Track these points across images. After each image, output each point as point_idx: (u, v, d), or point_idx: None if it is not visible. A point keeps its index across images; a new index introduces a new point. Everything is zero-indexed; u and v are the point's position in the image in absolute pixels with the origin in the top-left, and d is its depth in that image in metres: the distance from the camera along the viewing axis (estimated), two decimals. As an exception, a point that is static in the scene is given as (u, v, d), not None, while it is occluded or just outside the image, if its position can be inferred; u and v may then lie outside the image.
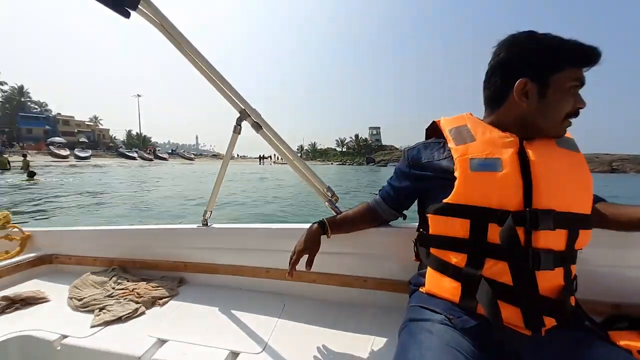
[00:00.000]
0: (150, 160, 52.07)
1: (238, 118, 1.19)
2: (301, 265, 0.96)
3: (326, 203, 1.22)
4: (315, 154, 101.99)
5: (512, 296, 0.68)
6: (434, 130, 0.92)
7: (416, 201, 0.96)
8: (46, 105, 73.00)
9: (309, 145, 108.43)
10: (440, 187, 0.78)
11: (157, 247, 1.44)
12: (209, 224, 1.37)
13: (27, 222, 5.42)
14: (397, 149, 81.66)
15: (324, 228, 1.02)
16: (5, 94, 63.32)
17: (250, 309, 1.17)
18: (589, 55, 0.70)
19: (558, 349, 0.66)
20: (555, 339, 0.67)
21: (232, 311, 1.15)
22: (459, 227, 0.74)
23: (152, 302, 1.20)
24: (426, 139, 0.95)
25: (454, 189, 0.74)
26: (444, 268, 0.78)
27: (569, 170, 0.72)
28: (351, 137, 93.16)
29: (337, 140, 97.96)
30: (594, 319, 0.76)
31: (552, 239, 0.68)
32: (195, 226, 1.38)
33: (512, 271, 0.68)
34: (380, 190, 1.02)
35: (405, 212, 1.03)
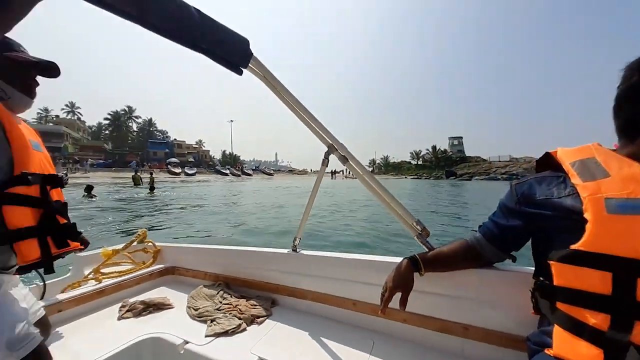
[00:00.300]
0: (238, 175, 59.14)
1: (326, 152, 1.27)
2: (394, 303, 0.94)
3: (415, 237, 1.17)
4: (388, 167, 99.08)
5: None
6: (545, 164, 0.83)
7: (529, 244, 0.84)
8: (167, 132, 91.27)
9: (382, 158, 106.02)
10: (564, 229, 0.69)
11: (253, 267, 1.61)
12: (297, 250, 1.47)
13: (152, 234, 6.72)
14: (484, 160, 72.65)
15: (416, 265, 0.98)
16: (140, 125, 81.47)
17: (339, 339, 1.19)
18: None
19: None
20: None
21: (323, 339, 1.19)
22: (597, 281, 0.64)
23: (252, 320, 1.33)
24: (537, 172, 0.85)
25: (586, 234, 0.65)
26: (579, 329, 0.67)
27: None
28: (427, 149, 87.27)
29: (411, 153, 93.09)
30: None
31: None
32: (285, 251, 1.49)
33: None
34: (480, 227, 0.94)
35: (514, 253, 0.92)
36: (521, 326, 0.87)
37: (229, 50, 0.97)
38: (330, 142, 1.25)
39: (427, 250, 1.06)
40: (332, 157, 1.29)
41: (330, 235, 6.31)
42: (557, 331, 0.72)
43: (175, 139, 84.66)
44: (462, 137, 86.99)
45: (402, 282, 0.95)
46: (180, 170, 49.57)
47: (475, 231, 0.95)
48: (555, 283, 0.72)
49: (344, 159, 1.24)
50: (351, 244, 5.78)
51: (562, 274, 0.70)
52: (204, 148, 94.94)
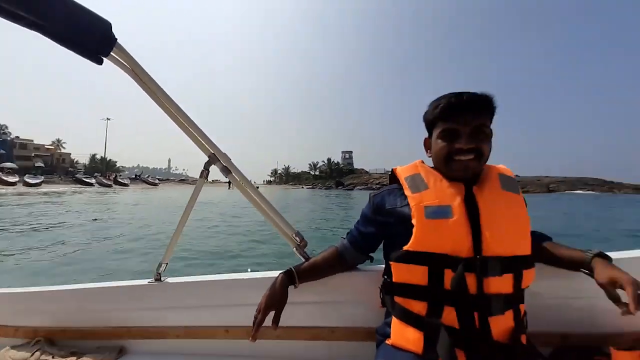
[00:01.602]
0: (109, 186, 48.14)
1: (206, 162, 1.13)
2: (268, 322, 0.89)
3: (294, 249, 1.15)
4: (288, 177, 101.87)
5: (467, 344, 0.71)
6: (395, 177, 0.94)
7: (382, 246, 0.96)
8: (5, 127, 66.89)
9: (283, 169, 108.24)
10: (402, 233, 0.80)
11: (95, 310, 1.26)
12: (162, 279, 1.22)
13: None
14: (366, 172, 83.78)
15: (291, 278, 0.96)
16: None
17: None
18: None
19: None
20: None
21: None
22: (419, 275, 0.76)
23: (82, 385, 1.02)
24: (390, 184, 0.96)
25: (413, 237, 0.77)
26: (408, 317, 0.80)
27: (511, 214, 0.79)
28: (324, 161, 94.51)
29: (310, 164, 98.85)
30: (543, 355, 0.81)
31: (500, 284, 0.73)
32: (146, 282, 1.22)
33: (464, 318, 0.72)
34: (348, 234, 1.02)
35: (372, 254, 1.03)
36: (378, 318, 0.94)
37: (82, 31, 0.78)
38: (212, 152, 1.12)
39: (304, 261, 1.06)
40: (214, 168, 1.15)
41: (205, 256, 5.62)
42: (394, 322, 0.84)
43: (17, 137, 63.93)
44: (352, 152, 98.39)
45: (275, 299, 0.92)
46: (16, 179, 37.13)
47: (344, 238, 1.03)
48: (394, 280, 0.84)
49: (226, 170, 1.13)
50: (228, 260, 5.42)
51: (399, 272, 0.81)
52: (63, 150, 74.71)
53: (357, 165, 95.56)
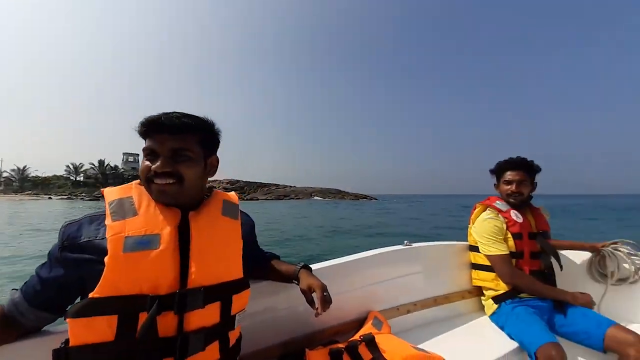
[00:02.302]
0: None
1: None
2: None
3: None
4: (25, 182, 69.16)
5: None
6: None
7: None
8: None
9: (14, 170, 71.91)
10: (98, 276, 0.62)
11: None
12: None
13: None
14: None
15: None
16: None
17: None
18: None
19: None
20: None
21: None
22: (105, 328, 0.60)
23: None
24: None
25: (102, 279, 0.61)
26: None
27: (224, 240, 0.75)
28: (92, 164, 72.03)
29: (68, 167, 71.99)
30: None
31: (203, 317, 0.67)
32: None
33: None
34: (24, 284, 0.73)
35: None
36: None
37: None
38: None
39: None
40: None
41: None
42: None
43: None
44: (138, 155, 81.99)
45: None
46: None
47: (16, 290, 0.73)
48: (70, 344, 0.61)
49: None
50: None
51: (76, 331, 0.61)
52: None
53: None
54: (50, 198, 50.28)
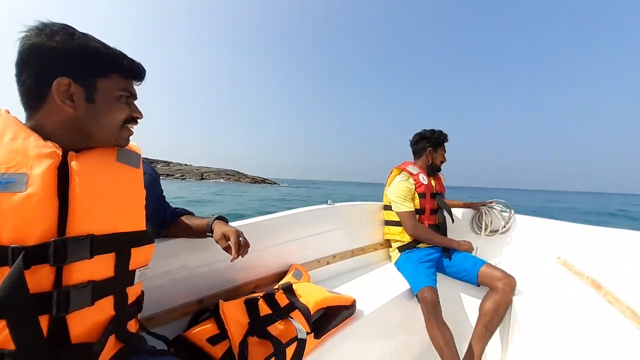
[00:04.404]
0: None
1: None
2: None
3: None
4: None
5: None
6: None
7: None
8: None
9: None
10: None
11: None
12: None
13: None
14: None
15: None
16: None
17: None
18: (135, 69, 0.71)
19: None
20: None
21: None
22: None
23: None
24: None
25: None
26: None
27: (121, 187, 0.69)
28: None
29: None
30: (157, 333, 0.82)
31: (92, 269, 0.61)
32: None
33: (19, 330, 0.53)
34: None
35: None
36: None
37: None
38: None
39: None
40: None
41: None
42: None
43: None
44: None
45: None
46: None
47: None
48: None
49: None
50: None
51: None
52: None
53: None
54: None
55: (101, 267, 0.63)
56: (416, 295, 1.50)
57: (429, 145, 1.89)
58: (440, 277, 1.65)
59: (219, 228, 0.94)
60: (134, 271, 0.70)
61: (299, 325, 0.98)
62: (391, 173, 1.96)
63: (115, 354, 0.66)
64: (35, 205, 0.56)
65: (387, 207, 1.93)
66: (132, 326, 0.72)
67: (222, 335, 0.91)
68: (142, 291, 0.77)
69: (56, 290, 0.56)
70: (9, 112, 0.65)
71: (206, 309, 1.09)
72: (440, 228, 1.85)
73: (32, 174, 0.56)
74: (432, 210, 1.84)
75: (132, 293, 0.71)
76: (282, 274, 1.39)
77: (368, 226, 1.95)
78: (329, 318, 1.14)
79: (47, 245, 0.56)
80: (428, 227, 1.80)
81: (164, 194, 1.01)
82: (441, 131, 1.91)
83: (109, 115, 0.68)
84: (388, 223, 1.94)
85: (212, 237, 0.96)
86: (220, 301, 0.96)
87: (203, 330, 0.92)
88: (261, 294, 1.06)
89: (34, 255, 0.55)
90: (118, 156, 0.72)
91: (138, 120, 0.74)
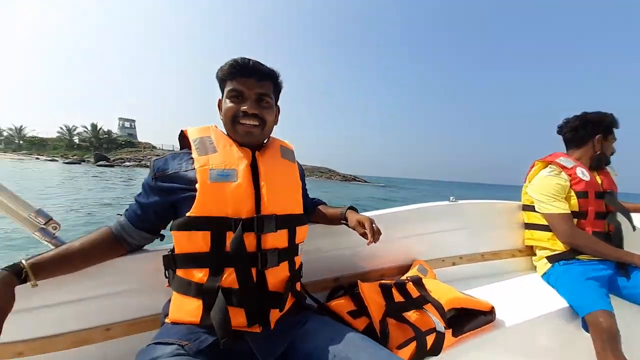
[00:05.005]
0: None
1: None
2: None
3: (37, 234, 0.83)
4: (22, 142, 67.58)
5: (244, 300, 0.73)
6: (186, 140, 0.88)
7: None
8: None
9: (12, 129, 69.77)
10: (188, 199, 0.75)
11: None
12: None
13: None
14: (154, 147, 69.94)
15: (20, 275, 0.68)
16: None
17: None
18: (233, 68, 0.81)
19: (282, 334, 0.77)
20: (280, 327, 0.78)
21: None
22: (201, 241, 0.74)
23: None
24: (181, 149, 0.90)
25: (195, 201, 0.73)
26: (187, 289, 0.75)
27: (286, 179, 0.87)
28: (85, 127, 68.67)
29: (62, 128, 69.23)
30: (315, 297, 0.99)
31: (275, 239, 0.79)
32: None
33: (241, 275, 0.73)
34: (125, 211, 0.86)
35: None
36: (164, 303, 0.85)
37: None
38: None
39: (52, 249, 0.78)
40: None
41: None
42: (174, 297, 0.78)
43: None
44: (134, 120, 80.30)
45: None
46: None
47: (120, 215, 0.86)
48: (176, 251, 0.78)
49: None
50: None
51: (180, 241, 0.76)
52: None
53: (145, 138, 77.78)
54: (57, 160, 47.68)
55: (281, 238, 0.81)
56: (583, 319, 1.22)
57: (598, 130, 1.48)
58: (613, 299, 1.29)
59: (352, 216, 1.02)
60: (297, 245, 0.87)
61: (435, 318, 0.95)
62: (533, 167, 1.63)
63: (291, 305, 0.85)
64: (244, 191, 0.76)
65: (528, 208, 1.62)
66: (298, 287, 0.89)
67: (359, 311, 0.98)
68: (301, 262, 0.93)
69: (259, 251, 0.76)
70: (216, 127, 0.89)
71: (341, 286, 1.20)
72: (613, 237, 1.43)
73: (239, 169, 0.78)
74: (598, 213, 1.44)
75: (297, 261, 0.88)
76: (405, 268, 1.38)
77: (501, 228, 1.70)
78: (465, 320, 1.06)
79: (252, 219, 0.75)
80: (592, 234, 1.42)
81: None
82: (612, 114, 1.48)
83: (223, 114, 0.84)
84: (530, 226, 1.63)
85: (345, 224, 1.04)
86: (359, 281, 1.02)
87: (342, 304, 1.01)
88: (392, 282, 1.08)
89: (245, 225, 0.74)
90: (282, 153, 0.91)
91: (254, 114, 0.81)
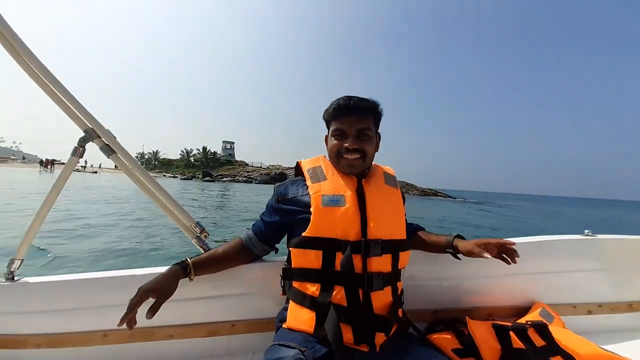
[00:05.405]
0: None
1: (81, 138, 0.96)
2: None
3: (194, 241, 1.07)
4: (157, 163, 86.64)
5: (352, 319, 0.78)
6: (300, 170, 1.01)
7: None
8: None
9: (150, 153, 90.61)
10: (303, 221, 0.86)
11: None
12: (16, 278, 1.01)
13: None
14: (246, 164, 78.84)
15: (186, 270, 0.87)
16: None
17: None
18: (334, 110, 0.91)
19: (387, 358, 0.79)
20: (385, 350, 0.80)
21: None
22: (314, 259, 0.82)
23: None
24: (295, 176, 1.02)
25: (310, 223, 0.83)
26: (303, 299, 0.84)
27: (391, 205, 0.92)
28: (198, 149, 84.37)
29: (182, 152, 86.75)
30: (417, 327, 0.95)
31: (380, 263, 0.83)
32: None
33: (351, 295, 0.79)
34: (253, 225, 1.02)
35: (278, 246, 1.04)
36: (278, 309, 0.97)
37: None
38: (90, 126, 0.94)
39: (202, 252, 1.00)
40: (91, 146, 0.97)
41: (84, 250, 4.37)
42: (291, 306, 0.87)
43: None
44: (234, 142, 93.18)
45: (158, 286, 0.80)
46: None
47: (249, 229, 1.02)
48: (292, 266, 0.88)
49: (109, 150, 0.97)
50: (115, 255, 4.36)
51: (297, 257, 0.86)
52: None
53: (240, 157, 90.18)
54: (176, 177, 57.25)
55: (385, 263, 0.84)
56: None
57: None
58: None
59: (464, 243, 0.93)
60: (399, 270, 0.89)
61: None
62: None
63: (394, 331, 0.85)
64: (351, 215, 0.83)
65: None
66: (399, 313, 0.89)
67: (467, 351, 0.90)
68: (402, 288, 0.93)
69: (365, 274, 0.80)
70: (325, 157, 1.00)
71: (441, 319, 1.11)
72: None
73: (346, 195, 0.86)
74: None
75: (399, 287, 0.90)
76: (520, 310, 1.20)
77: None
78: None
79: (359, 242, 0.81)
80: None
81: None
82: None
83: (328, 150, 0.95)
84: None
85: (451, 252, 0.97)
86: (468, 318, 0.95)
87: (446, 339, 0.94)
88: (509, 324, 0.95)
89: (353, 247, 0.79)
90: (385, 180, 0.96)
91: (355, 149, 0.88)
